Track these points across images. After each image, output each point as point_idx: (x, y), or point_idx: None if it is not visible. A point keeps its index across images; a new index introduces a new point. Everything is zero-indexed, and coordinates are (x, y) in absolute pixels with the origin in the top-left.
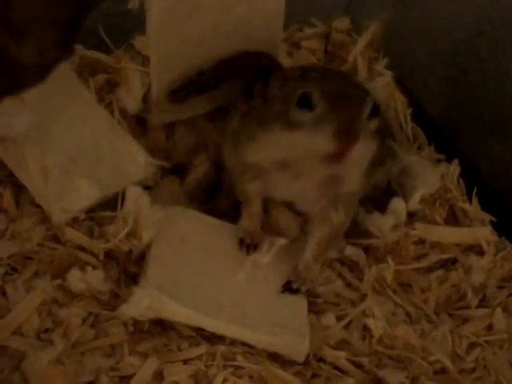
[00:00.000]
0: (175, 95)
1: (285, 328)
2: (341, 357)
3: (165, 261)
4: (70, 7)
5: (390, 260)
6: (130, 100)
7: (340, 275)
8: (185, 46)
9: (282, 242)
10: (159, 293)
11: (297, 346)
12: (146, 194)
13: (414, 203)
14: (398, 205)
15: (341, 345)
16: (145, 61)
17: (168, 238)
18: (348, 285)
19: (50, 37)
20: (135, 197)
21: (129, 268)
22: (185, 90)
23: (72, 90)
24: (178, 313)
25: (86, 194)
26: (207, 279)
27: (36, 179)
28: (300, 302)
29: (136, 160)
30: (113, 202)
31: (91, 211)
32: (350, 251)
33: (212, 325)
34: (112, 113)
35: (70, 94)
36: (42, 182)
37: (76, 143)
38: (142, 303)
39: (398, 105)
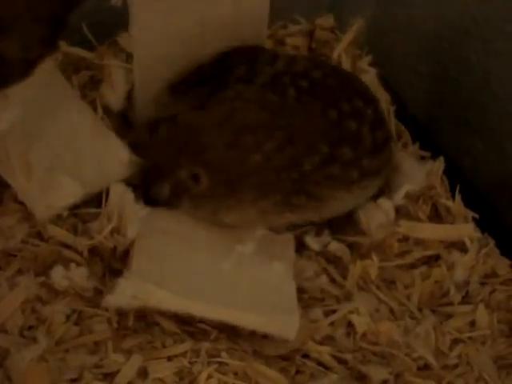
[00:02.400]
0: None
1: (274, 307)
2: (325, 352)
3: (149, 253)
4: (55, 3)
5: (374, 257)
6: (113, 97)
7: (325, 270)
8: (168, 43)
9: (261, 232)
10: (144, 281)
11: (287, 324)
12: (129, 191)
13: (399, 199)
14: (385, 205)
15: (325, 340)
16: (129, 58)
17: (151, 231)
18: (332, 281)
19: (35, 32)
20: (119, 193)
21: (113, 264)
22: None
23: (56, 87)
24: (165, 300)
25: (69, 192)
26: (193, 268)
27: (19, 176)
28: (288, 285)
29: (120, 158)
30: (96, 200)
31: (75, 208)
32: (335, 247)
33: (200, 309)
34: (95, 110)
35: (54, 90)
36: (25, 178)
37: (60, 140)
38: (126, 292)
39: (381, 102)
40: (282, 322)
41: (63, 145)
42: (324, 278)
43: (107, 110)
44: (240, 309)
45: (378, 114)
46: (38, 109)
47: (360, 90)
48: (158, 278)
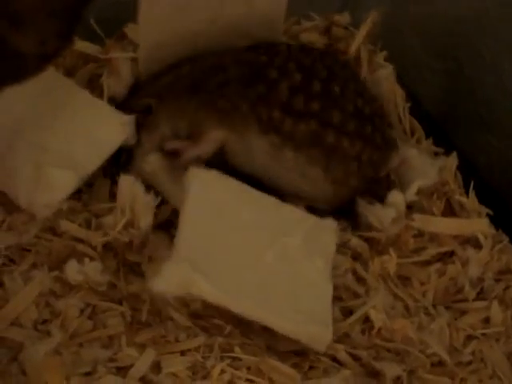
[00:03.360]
0: None
1: (308, 316)
2: (340, 349)
3: (196, 232)
4: None
5: (392, 252)
6: (119, 88)
7: (351, 268)
8: (175, 37)
9: (309, 223)
10: (191, 270)
11: (319, 336)
12: (138, 182)
13: (411, 194)
14: (396, 197)
15: (341, 338)
16: (136, 49)
17: (201, 205)
18: (358, 279)
19: (51, 26)
20: (128, 185)
21: (128, 257)
22: None
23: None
24: (208, 292)
25: (62, 184)
26: (237, 255)
27: (9, 182)
28: (326, 289)
29: (111, 123)
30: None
31: (87, 205)
32: (355, 242)
33: (238, 307)
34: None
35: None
36: (15, 183)
37: (46, 130)
38: (173, 279)
39: (397, 98)
40: (315, 334)
41: (50, 134)
42: (350, 276)
43: (113, 101)
44: (275, 312)
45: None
46: (20, 101)
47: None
48: (203, 266)
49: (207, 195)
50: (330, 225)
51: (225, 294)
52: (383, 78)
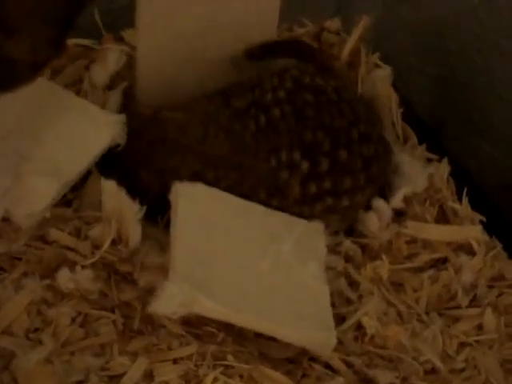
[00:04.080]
0: (252, 53)
1: (311, 322)
2: (333, 356)
3: (190, 248)
4: (63, 4)
5: (384, 257)
6: (101, 74)
7: (345, 272)
8: (173, 41)
9: (299, 228)
10: (191, 288)
11: (324, 342)
12: (122, 191)
13: (397, 202)
14: (379, 204)
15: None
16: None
17: (191, 221)
18: (350, 283)
19: (43, 34)
20: (112, 193)
21: (119, 268)
22: (261, 49)
23: None
24: (209, 308)
25: (44, 192)
26: (233, 267)
27: None
28: (322, 292)
29: (97, 124)
30: None
31: (77, 211)
32: (347, 245)
33: (241, 320)
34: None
35: None
36: None
37: (26, 136)
38: (174, 300)
39: (392, 102)
40: (320, 339)
41: (32, 140)
42: (343, 281)
43: (93, 86)
44: (279, 322)
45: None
46: (2, 108)
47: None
48: (201, 282)
49: (196, 210)
50: (317, 227)
51: (227, 309)
52: (379, 79)
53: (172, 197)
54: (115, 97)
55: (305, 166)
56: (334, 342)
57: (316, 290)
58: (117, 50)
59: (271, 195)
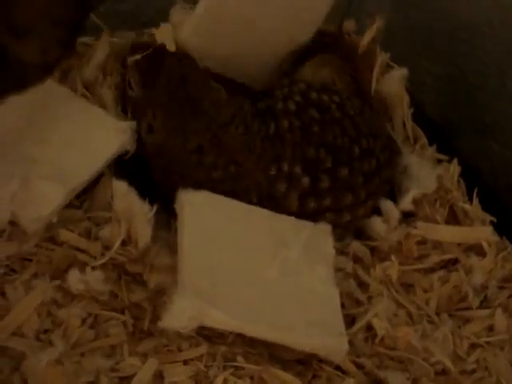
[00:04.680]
0: (285, 71)
1: (322, 328)
2: (343, 358)
3: (197, 259)
4: (73, 7)
5: (393, 258)
6: (87, 69)
7: (354, 273)
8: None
9: (306, 232)
10: (200, 301)
11: (336, 347)
12: (133, 191)
13: (406, 203)
14: (386, 206)
15: None
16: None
17: (198, 230)
18: (360, 284)
19: (53, 36)
20: (123, 194)
21: (128, 268)
22: (293, 64)
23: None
24: (219, 320)
25: (51, 197)
26: (241, 276)
27: None
28: (333, 296)
29: (106, 130)
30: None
31: (87, 212)
32: (356, 247)
33: (252, 330)
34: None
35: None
36: (2, 197)
37: (35, 140)
38: (184, 314)
39: (404, 103)
40: (331, 345)
41: (40, 144)
42: (352, 282)
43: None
44: (289, 330)
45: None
46: (12, 111)
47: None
48: (210, 294)
49: (201, 218)
50: (324, 228)
51: (238, 320)
52: (395, 80)
53: (177, 205)
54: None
55: (305, 181)
56: (346, 347)
57: (326, 295)
58: (105, 41)
59: (263, 202)
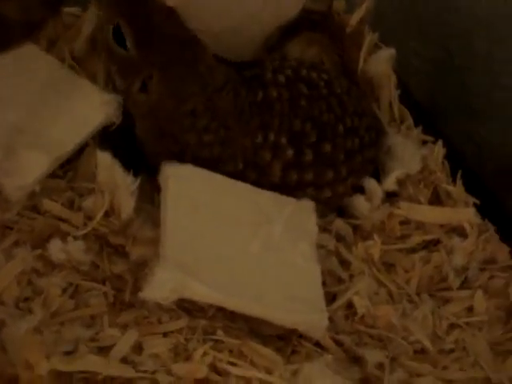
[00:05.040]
0: (272, 47)
1: (303, 304)
2: (323, 335)
3: (180, 232)
4: None
5: (376, 237)
6: (77, 42)
7: (336, 251)
8: None
9: (289, 208)
10: (182, 273)
11: (316, 323)
12: (117, 163)
13: (390, 184)
14: (370, 185)
15: None
16: None
17: (181, 203)
18: (341, 262)
19: None
20: (107, 165)
21: (111, 240)
22: (281, 40)
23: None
24: (200, 293)
25: (35, 166)
26: (223, 250)
27: None
28: (314, 272)
29: (92, 102)
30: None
31: (70, 181)
32: (339, 224)
33: (232, 304)
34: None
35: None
36: None
37: (21, 108)
38: (165, 286)
39: (391, 83)
40: (312, 321)
41: (26, 112)
42: (334, 260)
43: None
44: (270, 304)
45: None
46: None
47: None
48: (192, 266)
49: (185, 191)
50: (308, 205)
51: (218, 293)
52: (382, 60)
53: (161, 178)
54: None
55: (290, 152)
56: (326, 323)
57: (307, 271)
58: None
59: (248, 169)
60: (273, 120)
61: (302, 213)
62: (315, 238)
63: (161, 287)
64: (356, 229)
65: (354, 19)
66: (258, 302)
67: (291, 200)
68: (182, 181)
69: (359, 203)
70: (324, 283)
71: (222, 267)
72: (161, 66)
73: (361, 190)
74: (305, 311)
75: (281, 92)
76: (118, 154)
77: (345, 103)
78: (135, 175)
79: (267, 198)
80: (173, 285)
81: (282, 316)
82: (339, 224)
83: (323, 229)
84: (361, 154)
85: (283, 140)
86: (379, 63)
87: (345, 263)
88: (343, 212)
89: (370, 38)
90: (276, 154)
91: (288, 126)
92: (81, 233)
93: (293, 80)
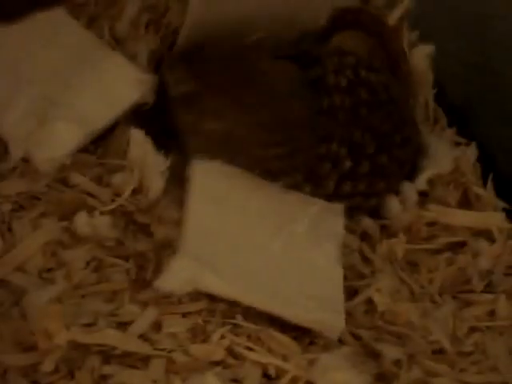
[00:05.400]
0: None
1: (320, 303)
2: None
3: (202, 225)
4: None
5: (401, 235)
6: (119, 24)
7: (359, 249)
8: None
9: (315, 208)
10: (198, 265)
11: (332, 324)
12: (149, 142)
13: (422, 184)
14: (406, 188)
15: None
16: None
17: (205, 198)
18: (364, 259)
19: None
20: (139, 142)
21: (137, 218)
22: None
23: (52, 21)
24: (216, 286)
25: (66, 139)
26: (244, 246)
27: (12, 132)
28: (336, 274)
29: (128, 79)
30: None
31: (100, 157)
32: (366, 223)
33: (248, 299)
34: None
35: (48, 25)
36: (18, 134)
37: (57, 82)
38: (181, 276)
39: (427, 82)
40: (328, 321)
41: (60, 85)
42: (356, 256)
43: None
44: (287, 302)
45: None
46: (37, 51)
47: None
48: (210, 259)
49: (211, 187)
50: (336, 208)
51: (234, 287)
52: (421, 56)
53: (190, 172)
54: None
55: (347, 164)
56: (343, 325)
57: (328, 272)
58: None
59: (306, 180)
60: (336, 130)
61: (329, 214)
62: (341, 241)
63: (176, 277)
64: (383, 229)
65: (394, 15)
66: (274, 299)
67: (320, 201)
68: (208, 176)
69: (393, 205)
70: (345, 277)
71: (241, 262)
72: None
73: None
74: (322, 311)
75: (343, 99)
76: (150, 134)
77: (402, 111)
78: (166, 156)
79: (293, 198)
80: (188, 275)
81: (298, 314)
82: (367, 223)
83: (350, 230)
84: (410, 165)
85: (343, 151)
86: (419, 59)
87: (367, 260)
88: (375, 213)
89: (409, 36)
90: (335, 165)
91: (349, 137)
92: (108, 208)
93: (354, 84)
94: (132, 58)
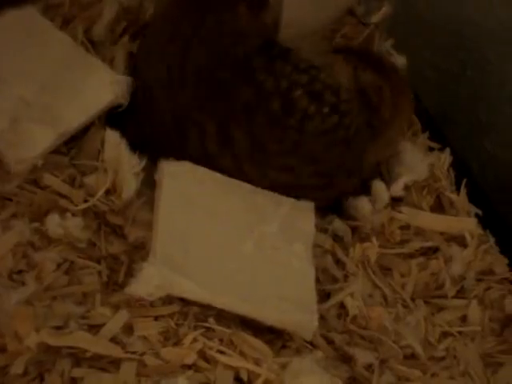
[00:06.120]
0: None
1: (293, 304)
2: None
3: (172, 229)
4: None
5: (374, 239)
6: (97, 25)
7: (332, 250)
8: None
9: (286, 208)
10: (169, 270)
11: (305, 325)
12: (123, 142)
13: (397, 190)
14: (378, 187)
15: None
16: None
17: (174, 200)
18: (337, 262)
19: None
20: (114, 143)
21: (109, 219)
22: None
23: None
24: (188, 291)
25: (39, 140)
26: (215, 249)
27: None
28: (308, 274)
29: (102, 81)
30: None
31: (73, 159)
32: (338, 225)
33: (221, 302)
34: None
35: (22, 25)
36: None
37: (30, 82)
38: (151, 282)
39: None
40: (301, 322)
41: (36, 87)
42: (329, 259)
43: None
44: (260, 304)
45: None
46: (10, 52)
47: None
48: (181, 263)
49: (180, 189)
50: (306, 206)
51: (206, 291)
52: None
53: (157, 175)
54: (121, 54)
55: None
56: (316, 325)
57: (301, 272)
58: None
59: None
60: None
61: (299, 213)
62: (312, 239)
63: (147, 283)
64: (355, 230)
65: (363, 35)
66: (246, 301)
67: (290, 200)
68: (177, 178)
69: (362, 205)
70: (318, 281)
71: (212, 265)
72: None
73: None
74: (295, 312)
75: None
76: (124, 135)
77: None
78: (140, 157)
79: (264, 198)
80: (159, 281)
81: (271, 316)
82: (338, 225)
83: (320, 229)
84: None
85: None
86: None
87: (340, 263)
88: (343, 212)
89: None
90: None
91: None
92: (80, 207)
93: None
94: (109, 61)
